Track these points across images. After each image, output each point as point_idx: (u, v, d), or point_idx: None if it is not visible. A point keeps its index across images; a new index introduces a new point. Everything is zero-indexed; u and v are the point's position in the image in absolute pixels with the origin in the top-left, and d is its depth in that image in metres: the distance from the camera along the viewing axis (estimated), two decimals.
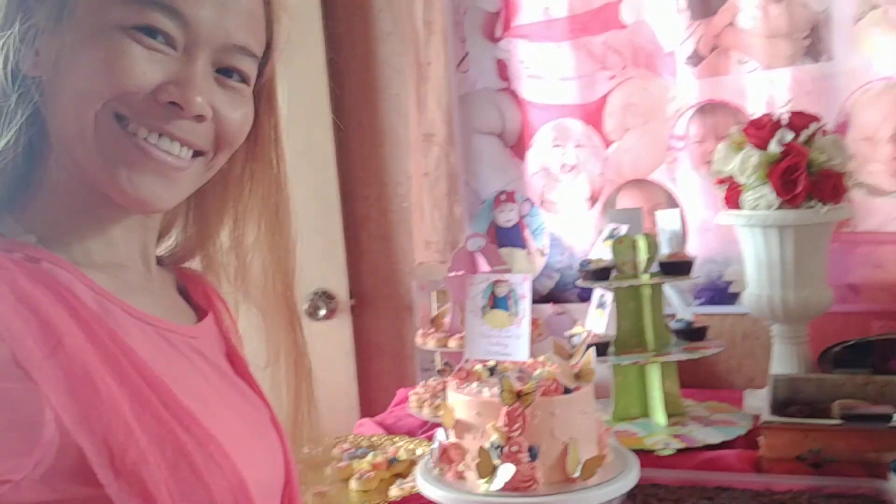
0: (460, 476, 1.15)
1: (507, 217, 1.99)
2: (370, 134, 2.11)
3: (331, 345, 2.06)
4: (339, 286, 2.06)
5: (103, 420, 0.55)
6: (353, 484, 1.34)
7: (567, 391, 1.14)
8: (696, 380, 1.74)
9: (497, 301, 1.29)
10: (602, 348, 1.46)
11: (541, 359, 1.26)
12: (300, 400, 0.78)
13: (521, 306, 1.27)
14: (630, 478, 1.15)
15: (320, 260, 2.04)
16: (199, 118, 0.64)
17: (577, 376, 1.16)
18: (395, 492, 1.29)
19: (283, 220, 0.76)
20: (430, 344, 1.65)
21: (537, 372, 1.18)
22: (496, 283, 1.30)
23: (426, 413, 1.59)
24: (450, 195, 2.05)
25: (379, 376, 2.15)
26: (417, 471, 1.20)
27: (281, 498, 0.71)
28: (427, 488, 1.14)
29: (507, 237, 1.99)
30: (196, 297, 0.76)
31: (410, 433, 1.60)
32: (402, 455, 1.43)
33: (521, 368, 1.20)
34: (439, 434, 1.19)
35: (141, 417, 0.57)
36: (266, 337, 0.77)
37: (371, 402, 2.09)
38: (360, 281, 2.14)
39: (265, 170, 0.75)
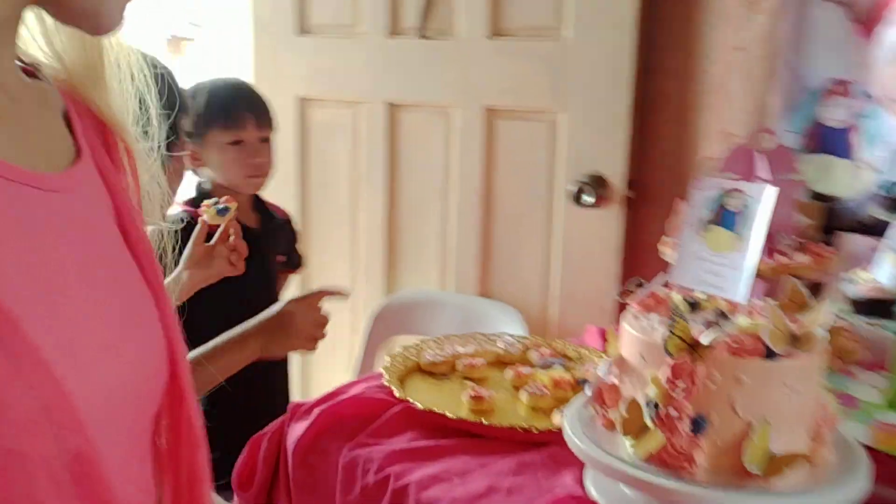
0: (611, 426, 0.91)
1: (834, 114, 1.52)
2: None
3: (593, 237, 1.83)
4: (616, 172, 1.79)
5: None
6: (523, 396, 1.17)
7: (771, 355, 0.82)
8: None
9: (724, 216, 0.97)
10: (884, 307, 1.04)
11: (767, 304, 0.92)
12: None
13: (752, 228, 0.93)
14: (844, 492, 0.81)
15: (597, 138, 1.79)
16: None
17: (794, 338, 0.83)
18: (557, 419, 1.09)
19: None
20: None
21: (740, 320, 0.86)
22: (730, 191, 0.97)
23: None
24: (767, 79, 1.62)
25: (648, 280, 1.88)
26: (569, 405, 0.99)
27: (165, 397, 0.57)
28: (568, 429, 0.93)
29: (831, 141, 1.53)
30: (79, 124, 0.58)
31: None
32: None
33: (723, 310, 0.89)
34: (601, 367, 0.95)
35: None
36: None
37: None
38: (644, 169, 1.85)
39: None
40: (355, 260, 2.15)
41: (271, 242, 1.67)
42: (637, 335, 0.89)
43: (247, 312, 1.60)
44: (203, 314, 1.50)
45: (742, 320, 0.86)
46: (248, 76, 2.19)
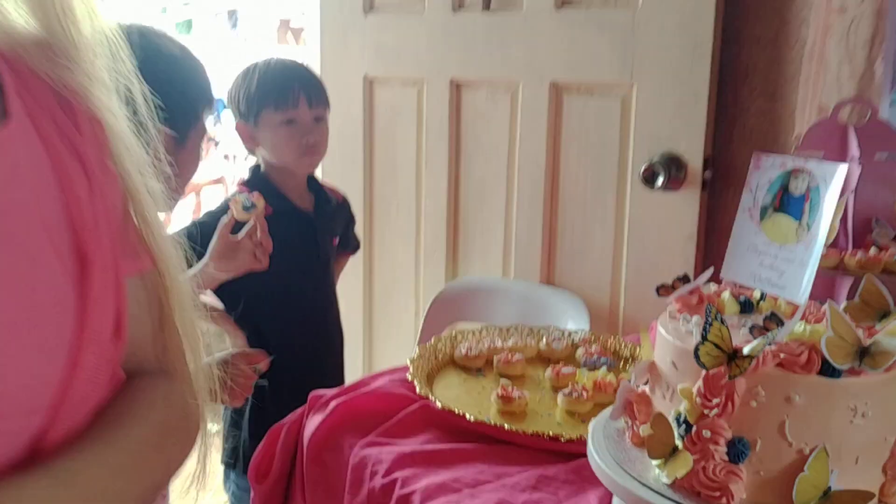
0: (641, 442, 0.78)
1: None
2: None
3: (668, 223, 1.67)
4: (694, 151, 1.62)
5: None
6: (560, 399, 1.05)
7: (830, 372, 0.67)
8: None
9: (788, 202, 0.82)
10: None
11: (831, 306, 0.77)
12: None
13: (819, 216, 0.78)
14: None
15: (672, 114, 1.63)
16: None
17: (863, 350, 0.67)
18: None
19: None
20: None
21: (797, 326, 0.71)
22: (794, 172, 0.82)
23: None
24: (873, 44, 1.42)
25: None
26: (598, 417, 0.86)
27: (52, 409, 0.47)
28: (592, 446, 0.81)
29: None
30: (12, 86, 0.52)
31: None
32: None
33: (777, 314, 0.74)
34: (633, 372, 0.82)
35: None
36: None
37: None
38: (727, 148, 1.67)
39: None
40: (418, 243, 2.07)
41: (326, 224, 1.61)
42: (669, 339, 0.75)
43: (302, 295, 1.55)
44: (257, 295, 1.46)
45: (800, 327, 0.71)
46: (315, 58, 2.14)
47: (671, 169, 1.63)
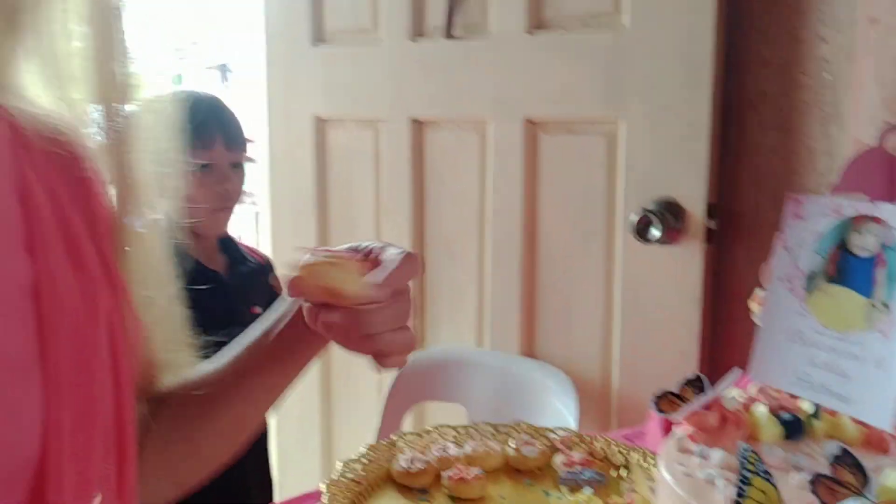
0: None
1: None
2: None
3: (666, 283, 1.40)
4: (695, 196, 1.36)
5: None
6: None
7: None
8: None
9: (849, 267, 0.54)
10: None
11: None
12: None
13: None
14: None
15: (668, 153, 1.37)
16: None
17: None
18: None
19: None
20: None
21: (890, 477, 0.43)
22: (856, 220, 0.54)
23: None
24: None
25: (743, 340, 1.43)
26: None
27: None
28: None
29: None
30: None
31: None
32: None
33: (847, 450, 0.46)
34: None
35: None
36: None
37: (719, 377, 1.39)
38: (734, 193, 1.41)
39: None
40: None
41: (242, 291, 1.33)
42: (681, 494, 0.47)
43: None
44: None
45: (892, 475, 0.43)
46: (261, 96, 1.90)
47: (668, 218, 1.36)
